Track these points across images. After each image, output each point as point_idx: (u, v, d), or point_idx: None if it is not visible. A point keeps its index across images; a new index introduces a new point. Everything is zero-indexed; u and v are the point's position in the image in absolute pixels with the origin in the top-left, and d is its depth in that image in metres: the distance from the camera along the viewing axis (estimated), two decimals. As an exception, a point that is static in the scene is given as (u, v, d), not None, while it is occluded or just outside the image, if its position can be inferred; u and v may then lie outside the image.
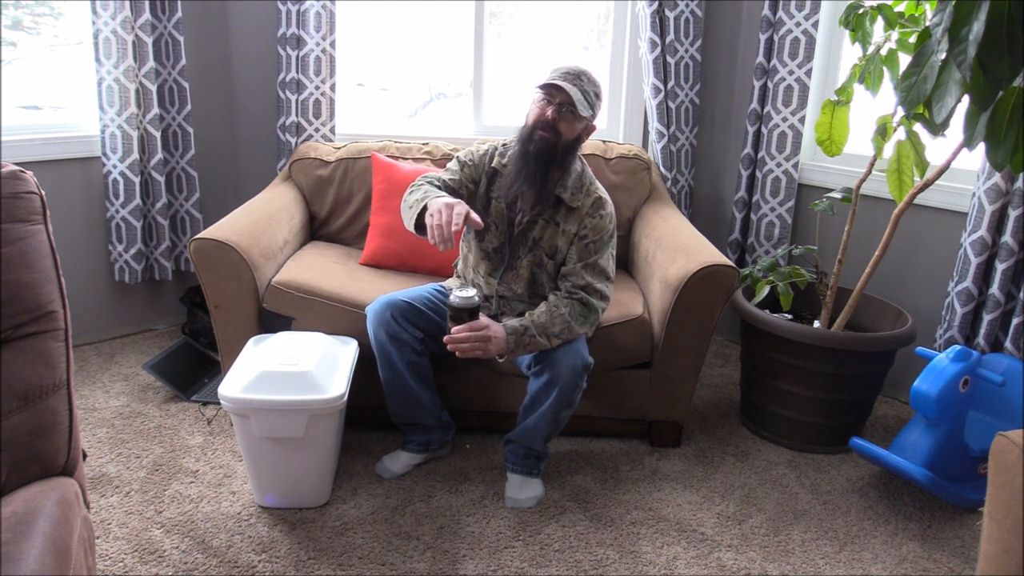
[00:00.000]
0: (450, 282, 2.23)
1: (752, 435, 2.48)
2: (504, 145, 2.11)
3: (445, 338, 1.89)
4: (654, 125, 2.91)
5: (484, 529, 1.97)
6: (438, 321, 2.10)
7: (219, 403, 2.46)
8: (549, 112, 1.92)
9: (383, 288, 2.35)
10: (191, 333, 2.92)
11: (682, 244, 2.37)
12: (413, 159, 2.79)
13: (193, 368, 2.70)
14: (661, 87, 2.85)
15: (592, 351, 2.07)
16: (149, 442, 2.32)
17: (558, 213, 2.02)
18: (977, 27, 1.42)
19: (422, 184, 2.04)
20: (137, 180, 2.81)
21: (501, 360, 1.94)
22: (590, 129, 2.01)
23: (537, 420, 2.02)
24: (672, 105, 2.90)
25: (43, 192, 1.24)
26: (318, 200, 2.83)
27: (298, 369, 1.91)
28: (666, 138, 2.91)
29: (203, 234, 2.25)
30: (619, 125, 3.10)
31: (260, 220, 2.49)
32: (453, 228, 1.77)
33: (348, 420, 2.22)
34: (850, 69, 2.29)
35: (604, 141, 2.84)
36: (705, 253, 2.24)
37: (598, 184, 2.08)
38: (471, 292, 1.89)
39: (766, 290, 2.43)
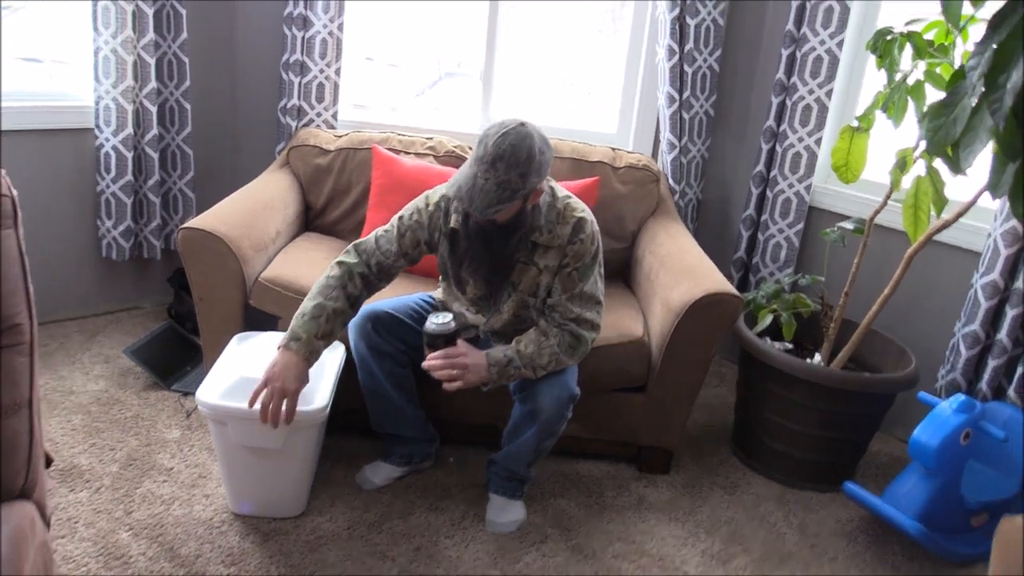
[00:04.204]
0: (438, 293, 2.14)
1: (743, 466, 2.42)
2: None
3: (422, 364, 1.82)
4: (666, 135, 2.82)
5: (462, 554, 1.91)
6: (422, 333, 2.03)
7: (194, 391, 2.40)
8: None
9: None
10: (176, 316, 2.84)
11: (687, 266, 2.30)
12: (416, 154, 2.70)
13: (176, 354, 2.63)
14: (676, 96, 2.76)
15: (586, 370, 2.00)
16: (125, 433, 2.25)
17: (535, 253, 1.87)
18: (1016, 76, 1.34)
19: (323, 285, 1.85)
20: (130, 155, 2.72)
21: (485, 389, 1.86)
22: (537, 191, 1.75)
23: (520, 447, 1.96)
24: (686, 115, 2.80)
25: (15, 193, 1.16)
26: (315, 190, 2.74)
27: (280, 378, 1.84)
28: (677, 149, 2.82)
29: (192, 223, 2.17)
30: (629, 132, 3.01)
31: (253, 209, 2.41)
32: (274, 425, 1.73)
33: (331, 424, 2.15)
34: (873, 96, 2.19)
35: (614, 149, 2.75)
36: (710, 279, 2.17)
37: (573, 202, 1.88)
38: (447, 318, 1.80)
39: (768, 319, 2.36)
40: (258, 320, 2.22)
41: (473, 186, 1.67)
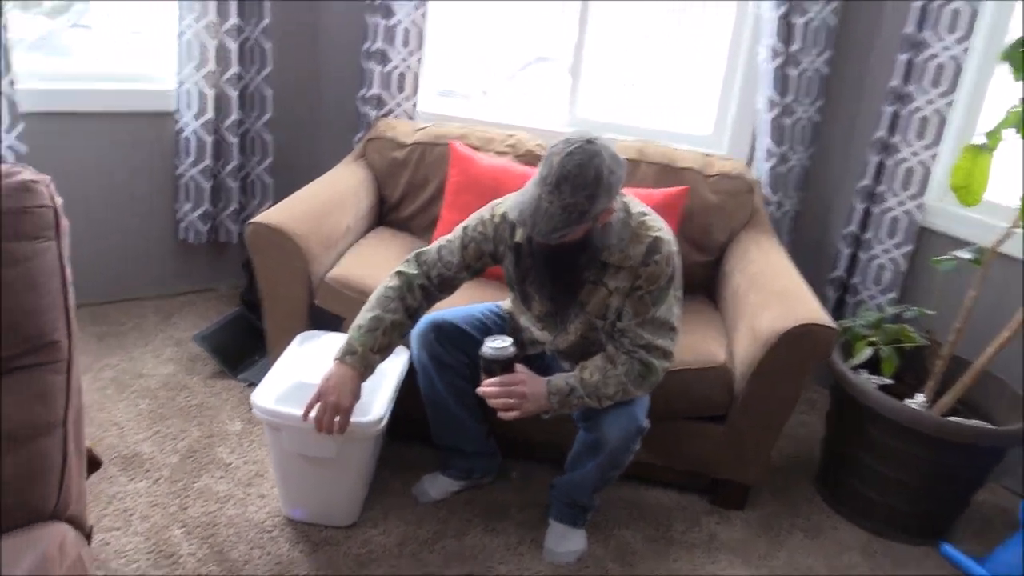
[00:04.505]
0: (507, 304, 2.02)
1: (827, 507, 2.23)
2: None
3: (477, 389, 1.71)
4: (764, 142, 2.62)
5: (516, 582, 1.81)
6: (489, 347, 1.92)
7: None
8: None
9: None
10: (248, 303, 2.83)
11: (779, 289, 2.11)
12: (495, 151, 2.59)
13: (245, 342, 2.61)
14: (778, 100, 2.55)
15: (661, 395, 1.85)
16: (188, 422, 2.24)
17: (605, 274, 1.72)
18: None
19: (381, 296, 1.77)
20: (210, 140, 2.71)
21: (546, 417, 1.74)
22: (604, 213, 1.60)
23: (582, 477, 1.84)
24: (788, 122, 2.60)
25: (59, 203, 1.10)
26: (390, 183, 2.67)
27: (338, 386, 1.77)
28: (776, 158, 2.62)
29: (260, 218, 2.13)
30: (724, 135, 2.82)
31: (325, 204, 2.35)
32: (331, 433, 1.67)
33: (392, 431, 2.06)
34: (1005, 112, 1.96)
35: (705, 155, 2.57)
36: (804, 306, 1.99)
37: (649, 220, 1.71)
38: (505, 342, 1.68)
39: (867, 352, 2.15)
40: (323, 319, 2.16)
41: (537, 209, 1.54)
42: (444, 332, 1.89)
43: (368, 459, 1.87)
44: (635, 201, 1.76)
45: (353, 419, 1.69)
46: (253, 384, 2.45)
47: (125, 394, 2.34)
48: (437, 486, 2.06)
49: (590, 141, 1.54)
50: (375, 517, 1.95)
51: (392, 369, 1.93)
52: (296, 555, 1.81)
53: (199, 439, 2.17)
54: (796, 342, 1.91)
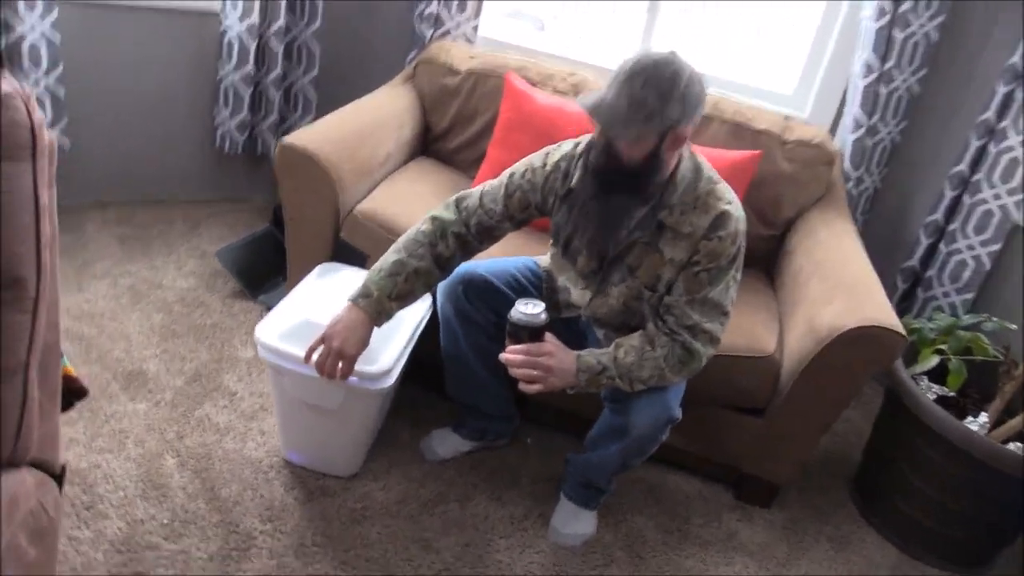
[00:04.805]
0: (545, 260, 1.85)
1: (859, 517, 2.06)
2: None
3: (500, 355, 1.56)
4: (853, 110, 2.36)
5: (514, 560, 1.70)
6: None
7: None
8: (600, 134, 1.47)
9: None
10: (278, 221, 2.70)
11: (846, 280, 1.90)
12: (553, 89, 2.38)
13: (270, 262, 2.49)
14: (876, 66, 2.27)
15: (698, 379, 1.67)
16: (199, 343, 2.15)
17: (661, 238, 1.54)
18: None
19: (410, 240, 1.63)
20: (253, 45, 2.54)
21: (571, 392, 1.58)
22: (678, 137, 1.42)
23: (601, 460, 1.70)
24: (883, 90, 2.32)
25: (37, 120, 0.96)
26: (438, 111, 2.48)
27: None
28: (864, 129, 2.35)
29: (291, 138, 1.98)
30: (808, 98, 2.55)
31: (364, 128, 2.19)
32: (331, 380, 1.55)
33: (409, 377, 1.93)
34: None
35: (785, 117, 2.32)
36: (871, 303, 1.78)
37: (720, 189, 1.53)
38: (537, 308, 1.51)
39: (933, 361, 1.94)
40: (347, 254, 2.03)
41: (602, 101, 1.39)
42: (474, 286, 1.74)
43: (374, 413, 1.75)
44: (707, 165, 1.57)
45: (358, 367, 1.56)
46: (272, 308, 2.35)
47: (140, 305, 2.26)
48: (447, 444, 1.95)
49: (672, 52, 1.40)
50: (377, 470, 1.85)
51: (411, 317, 1.79)
52: (289, 502, 1.72)
53: (208, 363, 2.08)
54: (857, 344, 1.71)
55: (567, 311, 1.76)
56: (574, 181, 1.58)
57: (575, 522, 1.80)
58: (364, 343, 1.56)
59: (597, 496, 1.81)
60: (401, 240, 1.64)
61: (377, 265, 1.61)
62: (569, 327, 1.78)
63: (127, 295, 2.29)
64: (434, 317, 1.84)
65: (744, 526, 1.94)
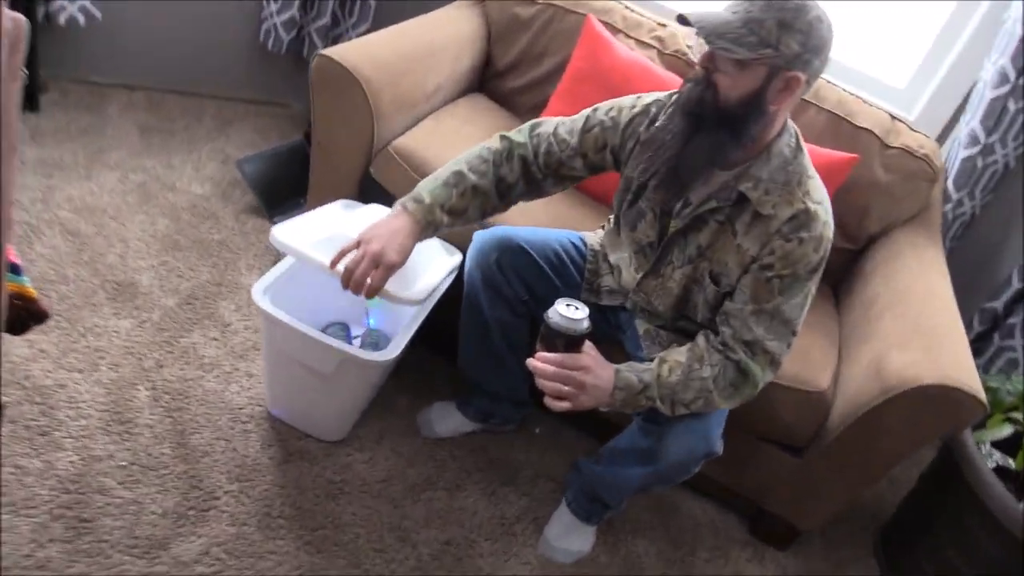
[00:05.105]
0: (593, 237, 1.62)
1: (882, 578, 1.87)
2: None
3: (528, 360, 1.34)
4: (972, 123, 2.04)
5: (495, 569, 1.54)
6: (556, 286, 1.55)
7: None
8: (703, 57, 1.23)
9: (521, 206, 1.79)
10: (311, 137, 2.49)
11: (927, 322, 1.65)
12: (637, 40, 2.09)
13: (293, 181, 2.28)
14: (1012, 77, 1.95)
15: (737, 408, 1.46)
16: (202, 260, 1.97)
17: (739, 217, 1.31)
18: None
19: (474, 154, 1.43)
20: (311, -65, 2.28)
21: (603, 411, 1.37)
22: (789, 82, 1.19)
23: (619, 478, 1.51)
24: (1013, 106, 2.00)
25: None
26: (504, 43, 2.21)
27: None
28: (979, 147, 2.05)
29: (333, 51, 1.74)
30: (920, 99, 2.22)
31: (416, 53, 1.94)
32: (361, 295, 1.32)
33: (423, 337, 1.73)
34: None
35: (892, 117, 2.02)
36: (953, 357, 1.53)
37: (814, 184, 1.30)
38: (580, 314, 1.27)
39: (1004, 431, 1.71)
40: (372, 194, 1.81)
41: (710, 12, 1.19)
42: (509, 256, 1.52)
43: (370, 384, 1.58)
44: (807, 156, 1.33)
45: (390, 286, 1.34)
46: (288, 233, 2.16)
47: (147, 206, 2.08)
48: (447, 421, 1.77)
49: None
50: (365, 438, 1.68)
51: (436, 269, 1.58)
52: (263, 461, 1.56)
53: (206, 284, 1.91)
54: (931, 403, 1.48)
55: (609, 298, 1.55)
56: (659, 122, 1.36)
57: (571, 536, 1.62)
58: (406, 252, 1.34)
59: (602, 512, 1.63)
60: (463, 155, 1.45)
61: (432, 175, 1.42)
62: (606, 317, 1.57)
63: (135, 193, 2.11)
64: (458, 281, 1.63)
65: (754, 567, 1.75)
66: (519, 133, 1.46)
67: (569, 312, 1.27)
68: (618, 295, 1.54)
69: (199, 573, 1.35)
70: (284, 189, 2.24)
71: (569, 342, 1.28)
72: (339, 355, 1.40)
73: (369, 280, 1.31)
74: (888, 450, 1.58)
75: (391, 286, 1.34)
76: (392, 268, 1.32)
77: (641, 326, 1.53)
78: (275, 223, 2.14)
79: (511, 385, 1.71)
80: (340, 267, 1.32)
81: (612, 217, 1.55)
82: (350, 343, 1.76)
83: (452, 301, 1.61)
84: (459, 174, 1.40)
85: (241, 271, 1.98)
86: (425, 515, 1.58)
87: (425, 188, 1.39)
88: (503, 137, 1.45)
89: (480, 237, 1.55)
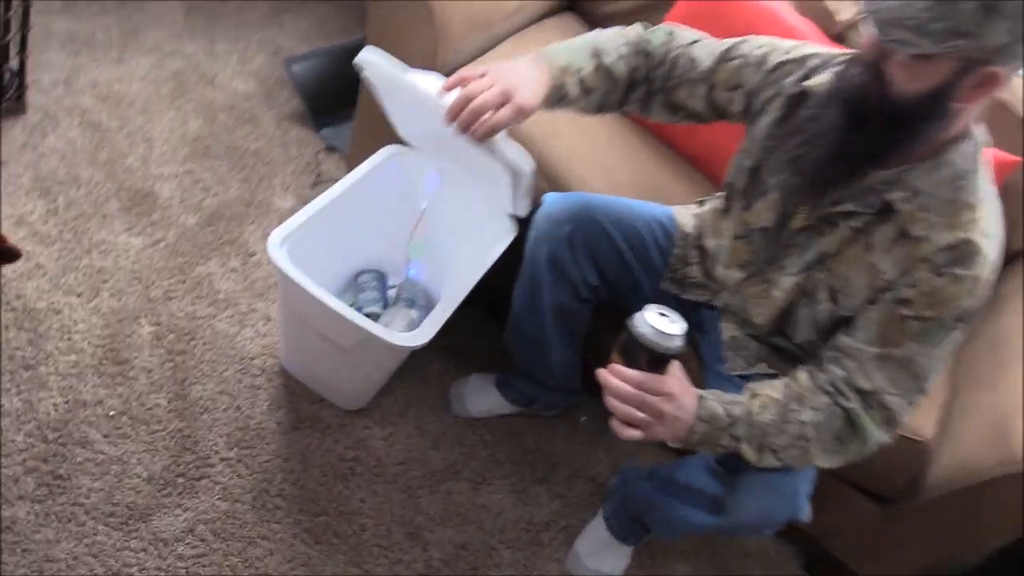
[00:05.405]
0: (686, 213, 1.34)
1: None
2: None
3: (598, 371, 1.08)
4: None
5: (513, 586, 1.36)
6: (633, 273, 1.29)
7: (343, 149, 1.85)
8: (871, 44, 0.92)
9: (603, 163, 1.51)
10: (375, 36, 2.20)
11: (1073, 378, 1.35)
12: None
13: (348, 89, 1.99)
14: None
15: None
16: (233, 172, 1.75)
17: (879, 228, 1.03)
18: None
19: (612, 33, 1.19)
20: None
21: (674, 445, 1.13)
22: (988, 79, 0.89)
23: (672, 514, 1.27)
24: None
25: None
26: (607, -45, 1.86)
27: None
28: None
29: (399, -49, 1.44)
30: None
31: (501, -41, 1.61)
32: (483, 128, 1.06)
33: (470, 298, 1.50)
34: None
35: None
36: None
37: (991, 214, 0.99)
38: (676, 328, 0.99)
39: None
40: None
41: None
42: (584, 232, 1.26)
43: (394, 363, 1.36)
44: (988, 172, 1.02)
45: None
46: (333, 148, 1.91)
47: (180, 101, 1.85)
48: (482, 399, 1.55)
49: None
50: (387, 410, 1.48)
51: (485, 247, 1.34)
52: (269, 426, 1.38)
53: (233, 203, 1.69)
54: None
55: (694, 292, 1.29)
56: (813, 82, 1.08)
57: (604, 555, 1.42)
58: (537, 100, 1.10)
59: (642, 534, 1.41)
60: (595, 32, 1.20)
61: (564, 42, 1.17)
62: (685, 313, 1.31)
63: (170, 84, 1.87)
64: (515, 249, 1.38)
65: (804, 610, 1.55)
66: (655, 31, 1.20)
67: (663, 324, 0.99)
68: (705, 291, 1.28)
69: (179, 553, 1.19)
70: (335, 98, 1.97)
71: (655, 360, 1.02)
72: (360, 332, 1.18)
73: (490, 115, 1.06)
74: (1000, 526, 1.32)
75: (504, 142, 1.11)
76: (523, 111, 1.08)
77: (728, 330, 1.26)
78: (321, 136, 1.92)
79: (561, 376, 1.47)
80: (453, 95, 1.08)
81: (722, 194, 1.26)
82: (385, 295, 1.54)
83: (516, 254, 1.36)
84: (598, 50, 1.16)
85: (275, 190, 1.76)
86: (442, 510, 1.39)
87: (560, 50, 1.15)
88: (645, 26, 1.21)
89: (553, 202, 1.29)
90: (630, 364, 1.02)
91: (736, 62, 1.14)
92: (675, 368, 1.04)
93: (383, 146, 1.46)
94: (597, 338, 1.44)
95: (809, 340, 1.15)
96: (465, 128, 1.07)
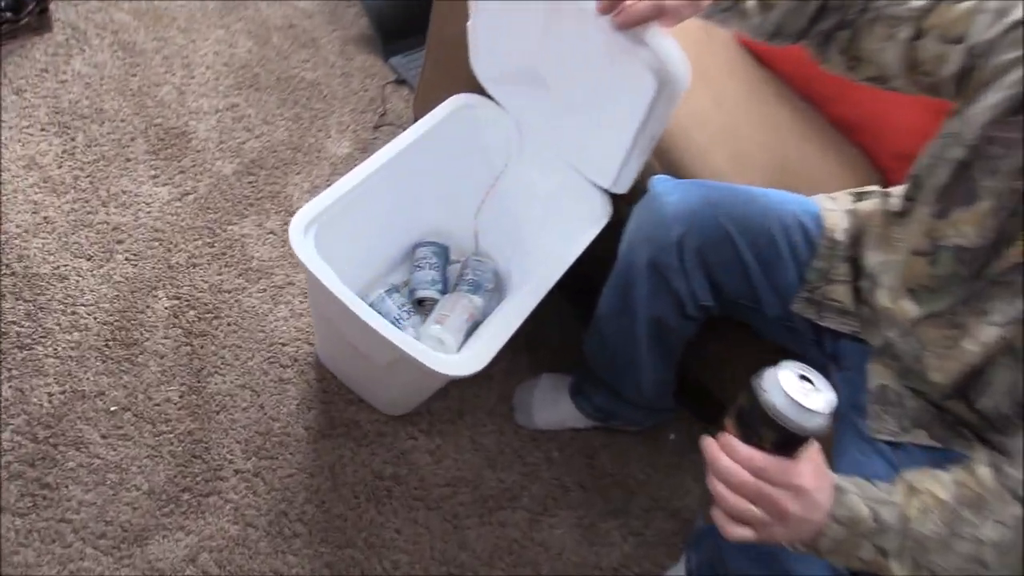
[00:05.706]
0: (832, 211, 1.00)
1: None
2: None
3: (704, 442, 0.78)
4: None
5: (568, 651, 1.13)
6: (756, 292, 0.99)
7: (415, 84, 1.58)
8: None
9: (731, 128, 1.18)
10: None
11: None
12: None
13: (420, 15, 1.70)
14: None
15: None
16: (283, 108, 1.49)
17: None
18: None
19: None
20: None
21: (795, 551, 0.84)
22: None
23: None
24: None
25: None
26: None
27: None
28: None
29: None
30: None
31: None
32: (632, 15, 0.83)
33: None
34: None
35: None
36: None
37: None
38: (818, 402, 0.68)
39: None
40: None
41: None
42: (699, 236, 0.97)
43: (436, 385, 1.11)
44: None
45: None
46: (403, 82, 1.63)
47: (230, 19, 1.58)
48: (551, 411, 1.30)
49: None
50: (436, 417, 1.25)
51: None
52: (296, 431, 1.16)
53: (279, 147, 1.44)
54: None
55: (836, 320, 0.98)
56: None
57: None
58: (697, 8, 0.85)
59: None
60: None
61: None
62: (818, 339, 1.01)
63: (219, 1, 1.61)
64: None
65: None
66: None
67: (802, 395, 0.69)
68: (853, 320, 0.96)
69: (177, 587, 1.01)
70: (407, 23, 1.67)
71: (785, 440, 0.73)
72: (396, 351, 0.92)
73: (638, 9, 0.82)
74: None
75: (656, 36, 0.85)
76: (677, 13, 0.83)
77: (877, 375, 0.95)
78: (389, 64, 1.64)
79: (652, 393, 1.20)
80: None
81: (901, 189, 0.92)
82: (444, 275, 1.28)
83: (611, 233, 1.08)
84: None
85: (330, 132, 1.50)
86: (492, 546, 1.16)
87: None
88: None
89: (662, 192, 0.99)
90: (748, 438, 0.73)
91: (961, 9, 0.78)
92: (812, 452, 0.75)
93: (455, 85, 1.17)
94: (700, 349, 1.16)
95: (998, 414, 0.84)
96: (607, 11, 0.83)
